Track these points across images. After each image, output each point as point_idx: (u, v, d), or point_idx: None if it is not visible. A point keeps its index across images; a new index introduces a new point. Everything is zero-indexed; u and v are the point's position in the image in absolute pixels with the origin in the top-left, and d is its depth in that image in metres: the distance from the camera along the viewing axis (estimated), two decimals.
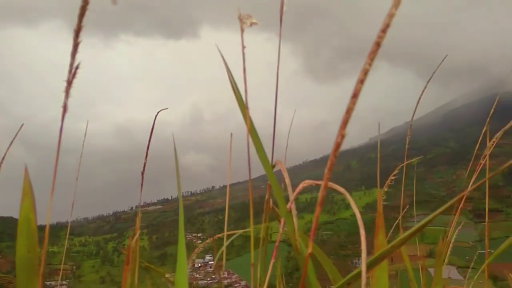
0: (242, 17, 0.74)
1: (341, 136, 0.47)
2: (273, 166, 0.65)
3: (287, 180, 0.62)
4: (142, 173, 1.12)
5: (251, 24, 0.74)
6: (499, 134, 1.37)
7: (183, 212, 0.88)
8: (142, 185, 1.11)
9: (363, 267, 0.49)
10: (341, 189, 0.55)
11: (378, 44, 0.44)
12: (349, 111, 0.46)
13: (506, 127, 1.36)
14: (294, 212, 0.65)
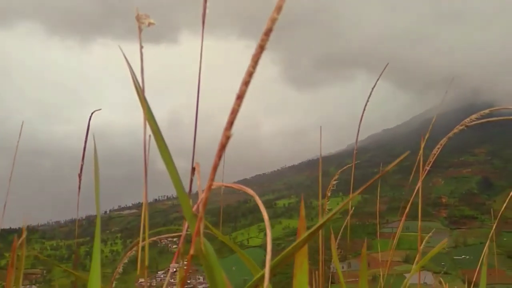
0: (139, 16, 0.74)
1: (226, 137, 0.47)
2: (194, 169, 0.65)
3: (198, 182, 0.61)
4: (79, 176, 1.10)
5: (149, 24, 0.75)
6: (443, 141, 1.42)
7: (100, 214, 0.88)
8: (79, 188, 1.09)
9: (267, 270, 0.49)
10: (251, 191, 0.55)
11: (261, 47, 0.44)
12: (234, 112, 0.46)
13: (450, 134, 1.41)
14: (201, 214, 0.65)
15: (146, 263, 1.00)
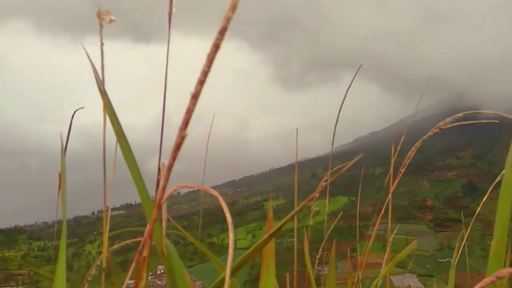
0: (101, 13, 0.73)
1: (181, 137, 0.46)
2: (170, 168, 0.63)
3: (163, 184, 0.60)
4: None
5: (110, 21, 0.74)
6: (417, 144, 1.43)
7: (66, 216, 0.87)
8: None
9: (228, 272, 0.48)
10: (215, 193, 0.54)
11: (216, 46, 0.44)
12: (189, 112, 0.45)
13: (424, 137, 1.42)
14: (164, 216, 0.64)
15: (104, 265, 0.99)
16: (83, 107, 1.08)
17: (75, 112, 1.09)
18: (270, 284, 0.79)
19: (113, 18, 0.74)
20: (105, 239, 0.96)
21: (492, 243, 0.77)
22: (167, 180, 0.51)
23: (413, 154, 1.44)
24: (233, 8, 0.42)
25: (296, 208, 0.63)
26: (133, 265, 0.63)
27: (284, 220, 0.64)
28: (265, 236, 0.64)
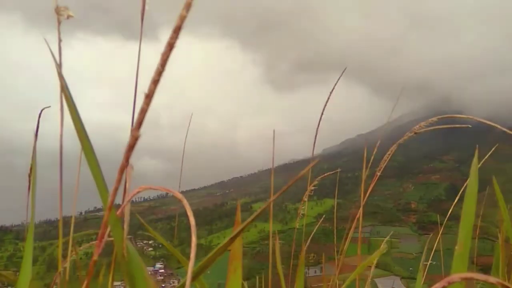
0: (58, 9, 0.72)
1: (134, 138, 0.45)
2: (122, 170, 0.59)
3: (127, 185, 0.58)
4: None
5: (68, 16, 0.73)
6: (393, 148, 1.44)
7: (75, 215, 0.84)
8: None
9: (189, 276, 0.48)
10: (178, 195, 0.53)
11: (171, 45, 0.42)
12: (142, 112, 0.44)
13: (400, 141, 1.43)
14: (127, 217, 0.63)
15: (60, 268, 0.98)
16: (49, 106, 1.05)
17: (41, 111, 1.07)
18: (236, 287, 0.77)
19: (71, 13, 0.72)
20: (60, 244, 0.95)
21: (456, 247, 0.78)
22: (119, 181, 0.48)
23: (388, 158, 1.45)
24: (188, 7, 0.41)
25: (256, 212, 0.62)
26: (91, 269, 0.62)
27: (245, 223, 0.63)
28: (227, 239, 0.62)
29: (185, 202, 0.50)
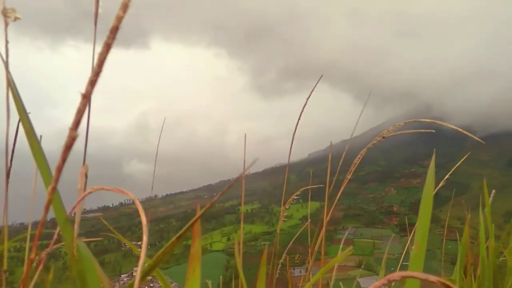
0: (5, 11, 0.72)
1: (71, 138, 0.43)
2: (59, 170, 0.57)
3: (79, 185, 0.58)
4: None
5: (15, 19, 0.73)
6: (362, 152, 1.46)
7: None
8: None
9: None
10: (131, 195, 0.53)
11: (108, 45, 0.41)
12: (79, 112, 0.42)
13: (369, 145, 1.45)
14: (78, 217, 0.62)
15: (5, 266, 0.96)
16: (29, 112, 1.03)
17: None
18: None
19: (18, 16, 0.72)
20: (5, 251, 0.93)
21: (412, 247, 0.79)
22: (56, 181, 0.47)
23: (358, 161, 1.46)
24: (124, 7, 0.40)
25: (201, 211, 0.62)
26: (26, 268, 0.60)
27: (189, 223, 0.63)
28: (173, 239, 0.62)
29: (137, 202, 0.50)
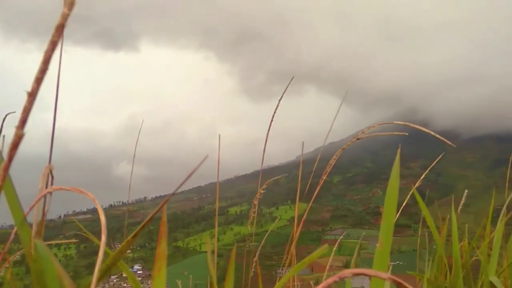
0: None
1: (17, 136, 0.42)
2: (6, 169, 0.53)
3: (40, 185, 0.57)
4: None
5: None
6: (338, 152, 1.48)
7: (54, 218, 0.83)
8: None
9: (95, 275, 0.47)
10: (91, 196, 0.53)
11: (53, 43, 0.41)
12: (25, 111, 0.42)
13: (344, 146, 1.46)
14: (36, 217, 0.61)
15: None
16: (14, 112, 1.02)
17: (6, 116, 1.05)
18: (160, 287, 0.76)
19: None
20: None
21: (377, 245, 0.79)
22: (3, 180, 0.46)
23: (334, 162, 1.47)
24: (70, 5, 0.39)
25: (150, 215, 0.61)
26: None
27: (142, 224, 0.62)
28: (128, 238, 0.62)
29: (97, 202, 0.50)
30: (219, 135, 1.43)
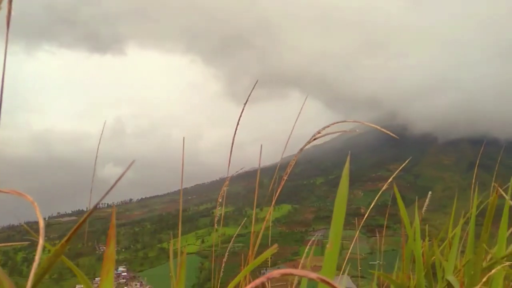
0: None
1: None
2: None
3: None
4: None
5: None
6: (297, 154, 1.49)
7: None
8: None
9: (30, 278, 0.46)
10: (29, 198, 0.52)
11: None
12: None
13: (302, 147, 1.48)
14: None
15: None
16: None
17: None
18: None
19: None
20: None
21: (327, 245, 0.80)
22: None
23: (294, 163, 1.48)
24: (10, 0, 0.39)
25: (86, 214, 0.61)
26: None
27: (74, 228, 0.61)
28: (62, 241, 0.61)
29: (35, 205, 0.49)
30: (183, 138, 1.40)
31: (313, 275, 0.39)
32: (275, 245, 0.89)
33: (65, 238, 0.58)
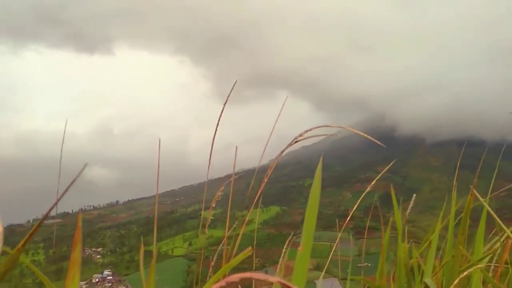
0: None
1: None
2: None
3: None
4: None
5: None
6: (278, 155, 1.50)
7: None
8: None
9: None
10: None
11: None
12: None
13: (284, 148, 1.49)
14: None
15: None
16: None
17: None
18: None
19: None
20: None
21: (299, 248, 0.80)
22: None
23: (275, 163, 1.49)
24: None
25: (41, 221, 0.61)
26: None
27: (33, 229, 0.61)
28: (18, 245, 0.60)
29: None
30: (159, 140, 1.38)
31: (273, 279, 0.39)
32: (249, 248, 0.89)
33: (21, 243, 0.57)
